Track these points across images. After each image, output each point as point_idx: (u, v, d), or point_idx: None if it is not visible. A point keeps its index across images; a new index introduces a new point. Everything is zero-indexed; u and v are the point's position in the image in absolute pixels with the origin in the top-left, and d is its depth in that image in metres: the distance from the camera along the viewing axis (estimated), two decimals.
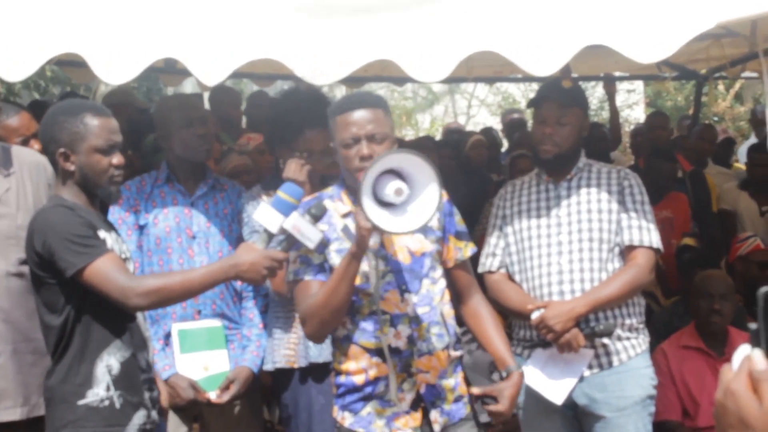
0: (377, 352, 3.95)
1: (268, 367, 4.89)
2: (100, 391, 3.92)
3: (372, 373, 3.96)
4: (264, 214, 3.89)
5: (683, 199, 8.27)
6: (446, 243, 4.17)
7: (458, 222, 4.21)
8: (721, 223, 8.97)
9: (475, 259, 4.57)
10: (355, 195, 3.96)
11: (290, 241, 3.86)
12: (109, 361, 3.96)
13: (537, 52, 4.12)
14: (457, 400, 4.08)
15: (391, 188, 3.64)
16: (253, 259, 3.84)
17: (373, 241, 3.72)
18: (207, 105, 8.07)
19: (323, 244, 3.95)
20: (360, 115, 3.93)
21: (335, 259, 3.95)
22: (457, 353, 4.12)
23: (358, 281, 3.85)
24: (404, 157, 3.67)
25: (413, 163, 3.65)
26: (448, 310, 4.12)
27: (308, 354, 4.76)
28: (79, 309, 3.92)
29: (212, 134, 5.13)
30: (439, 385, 4.01)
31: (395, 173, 3.68)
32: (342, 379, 4.04)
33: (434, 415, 4.00)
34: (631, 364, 4.79)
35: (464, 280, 4.25)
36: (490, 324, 4.23)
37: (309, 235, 3.81)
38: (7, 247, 4.10)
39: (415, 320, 3.97)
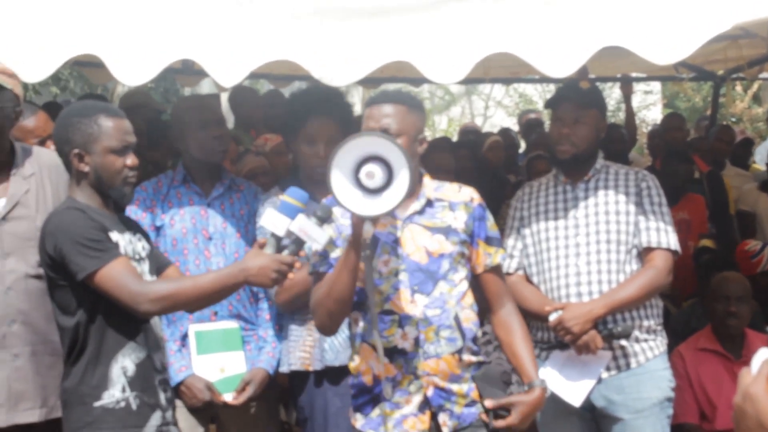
0: (385, 352, 3.94)
1: (284, 369, 4.89)
2: (116, 393, 3.93)
3: (379, 371, 3.97)
4: (270, 218, 3.90)
5: (700, 200, 8.24)
6: (475, 248, 4.14)
7: (490, 227, 4.18)
8: (740, 225, 8.95)
9: None
10: None
11: (298, 244, 3.87)
12: (124, 363, 3.97)
13: (554, 53, 4.11)
14: (470, 404, 4.05)
15: (363, 171, 3.62)
16: (261, 263, 3.84)
17: (366, 230, 3.69)
18: (225, 105, 8.07)
19: (342, 239, 3.97)
20: (380, 109, 3.95)
21: None
22: (473, 359, 4.09)
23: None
24: (376, 141, 3.65)
25: (388, 149, 3.62)
26: (468, 315, 4.08)
27: (324, 357, 4.75)
28: (92, 311, 3.93)
29: (228, 135, 5.13)
30: (449, 389, 3.99)
31: (383, 161, 3.66)
32: (354, 379, 4.06)
33: (443, 418, 3.99)
34: (649, 366, 4.78)
35: (494, 287, 4.22)
36: (519, 336, 4.20)
37: (316, 236, 3.82)
38: (27, 248, 4.10)
39: (423, 322, 3.95)
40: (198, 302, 4.04)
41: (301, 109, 4.92)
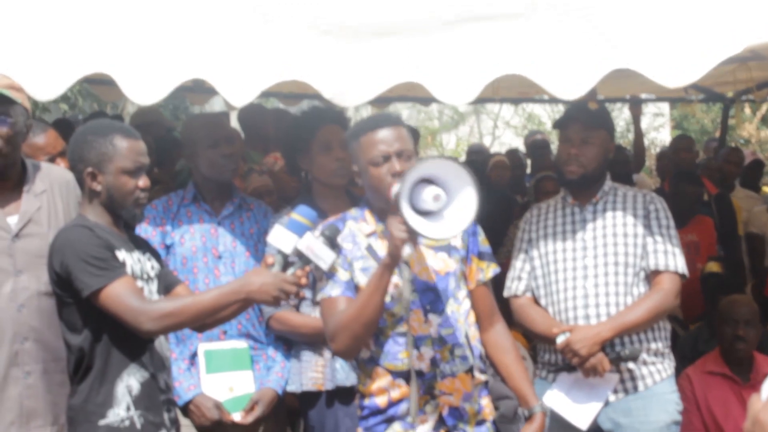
0: (401, 374, 3.94)
1: (295, 388, 4.89)
2: (120, 411, 3.94)
3: (395, 395, 3.96)
4: (278, 235, 3.92)
5: (709, 222, 8.23)
6: (469, 264, 4.17)
7: (482, 242, 4.21)
8: (749, 247, 8.94)
9: (499, 282, 4.56)
10: (380, 214, 3.98)
11: (304, 262, 3.87)
12: (129, 382, 3.97)
13: (564, 75, 4.12)
14: (480, 423, 4.07)
15: (428, 194, 3.64)
16: (263, 281, 3.84)
17: (407, 252, 3.71)
18: (235, 123, 8.07)
19: (347, 262, 3.97)
20: (387, 133, 3.94)
21: (360, 277, 3.96)
22: (482, 377, 4.11)
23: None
24: (438, 164, 3.69)
25: (447, 170, 3.66)
26: (474, 332, 4.11)
27: (335, 377, 4.76)
28: (97, 329, 3.94)
29: (238, 154, 5.14)
30: (462, 408, 4.00)
31: (426, 181, 3.68)
32: (366, 401, 4.03)
33: None
34: (657, 389, 4.78)
35: (484, 303, 4.23)
36: (513, 357, 4.22)
37: (322, 255, 3.83)
38: (39, 266, 4.11)
39: (438, 342, 3.96)
40: (201, 319, 4.04)
41: (311, 121, 4.97)
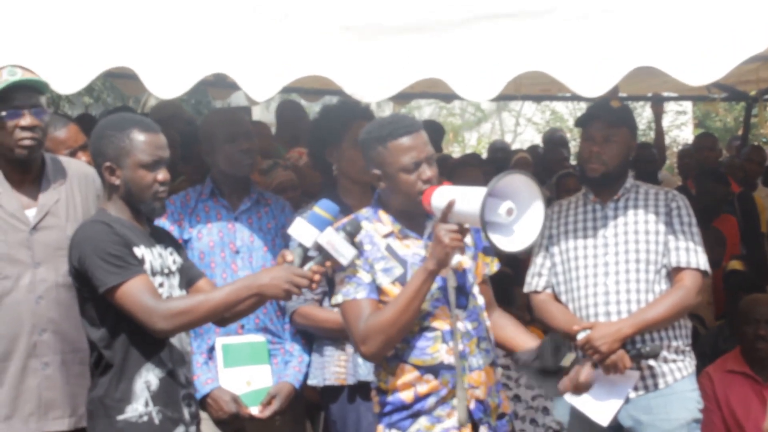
0: (429, 369, 3.95)
1: (317, 382, 4.91)
2: (139, 407, 3.95)
3: (422, 389, 3.95)
4: (299, 228, 3.91)
5: (733, 221, 8.22)
6: (475, 259, 4.18)
7: (485, 238, 4.22)
8: None
9: (516, 280, 4.58)
10: (398, 216, 4.01)
11: (324, 257, 3.87)
12: (148, 377, 3.99)
13: (586, 73, 4.11)
14: (500, 417, 4.09)
15: (503, 208, 3.68)
16: (274, 274, 3.85)
17: (456, 260, 3.76)
18: (257, 117, 8.07)
19: (368, 264, 3.98)
20: (416, 139, 3.95)
21: (382, 278, 3.96)
22: (499, 372, 4.15)
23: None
24: (513, 179, 3.72)
25: (517, 183, 3.71)
26: (490, 325, 4.14)
27: (357, 372, 4.77)
28: (116, 325, 3.96)
29: (256, 149, 5.15)
30: (487, 402, 4.01)
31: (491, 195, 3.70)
32: (389, 397, 4.02)
33: (483, 430, 3.99)
34: (677, 387, 4.78)
35: (487, 296, 4.26)
36: (513, 328, 4.28)
37: (343, 251, 3.83)
38: (57, 258, 4.13)
39: (466, 336, 3.98)
40: (214, 317, 4.05)
41: (342, 116, 4.95)
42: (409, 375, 3.96)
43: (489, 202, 3.64)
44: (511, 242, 3.72)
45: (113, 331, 3.96)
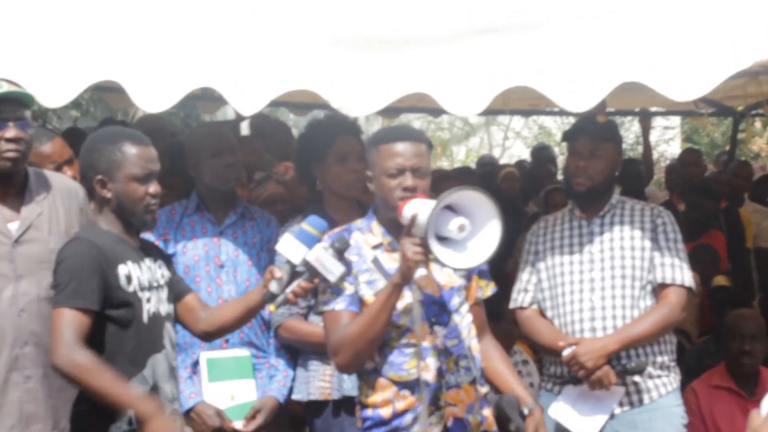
0: (405, 384, 3.95)
1: (302, 396, 4.90)
2: (123, 425, 3.92)
3: (399, 406, 3.96)
4: (287, 245, 3.92)
5: (720, 237, 8.24)
6: (469, 281, 4.19)
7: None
8: (758, 262, 8.93)
9: (504, 295, 4.58)
10: (388, 226, 4.00)
11: (312, 274, 3.88)
12: None
13: (573, 88, 4.12)
14: None
15: (454, 224, 3.66)
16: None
17: (419, 274, 3.73)
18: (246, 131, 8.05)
19: (352, 275, 3.98)
20: (407, 146, 3.96)
21: (365, 290, 3.97)
22: (484, 389, 4.12)
23: None
24: (467, 194, 3.70)
25: (474, 200, 3.69)
26: (475, 345, 4.12)
27: (342, 387, 4.76)
28: (96, 344, 3.94)
29: (241, 163, 5.15)
30: (466, 420, 3.99)
31: (451, 209, 3.70)
32: (369, 412, 4.04)
33: None
34: (662, 402, 4.78)
35: (479, 320, 4.26)
36: (502, 363, 4.30)
37: (331, 268, 3.84)
38: (39, 271, 4.12)
39: (444, 353, 3.97)
40: (98, 395, 3.89)
41: (327, 131, 4.96)
42: (388, 390, 3.97)
43: (443, 217, 3.66)
44: (460, 259, 3.70)
45: (96, 349, 3.93)
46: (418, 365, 3.91)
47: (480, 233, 3.71)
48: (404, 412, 3.95)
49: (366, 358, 3.96)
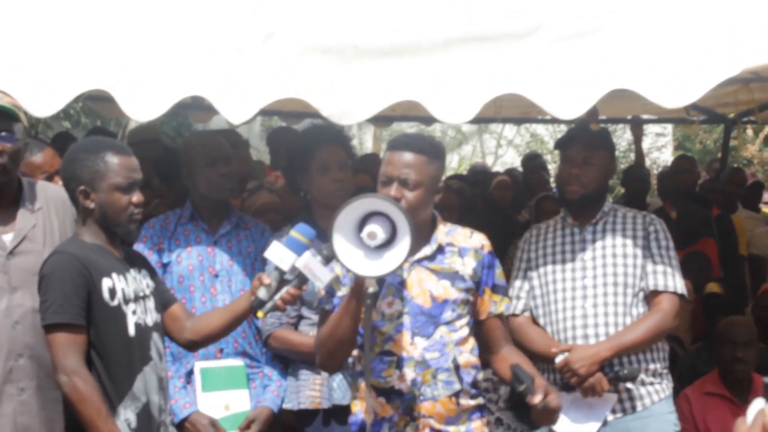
0: (383, 392, 3.99)
1: (292, 406, 4.90)
2: None
3: (378, 411, 4.00)
4: (276, 252, 3.94)
5: (712, 244, 8.24)
6: (481, 295, 4.18)
7: (498, 276, 4.22)
8: (752, 268, 8.93)
9: None
10: None
11: (301, 280, 3.89)
12: (127, 415, 3.99)
13: (562, 95, 4.11)
14: None
15: (366, 231, 3.66)
16: None
17: (369, 281, 3.74)
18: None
19: (349, 277, 4.00)
20: (401, 156, 3.99)
21: None
22: (471, 402, 4.11)
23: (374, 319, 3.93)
24: (384, 205, 3.68)
25: (394, 213, 3.66)
26: (467, 359, 4.11)
27: (332, 396, 4.78)
28: (88, 362, 3.94)
29: (236, 173, 5.16)
30: (445, 431, 4.02)
31: (389, 219, 3.69)
32: (353, 417, 4.11)
33: None
34: (655, 409, 4.78)
35: (496, 333, 4.27)
36: (520, 357, 4.28)
37: (320, 275, 3.86)
38: (34, 283, 4.10)
39: (421, 364, 3.99)
40: (84, 419, 3.91)
41: (309, 141, 4.99)
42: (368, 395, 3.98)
43: (356, 222, 3.69)
44: (369, 267, 3.67)
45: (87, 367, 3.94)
46: (368, 373, 3.93)
47: (397, 246, 3.67)
48: (382, 419, 4.01)
49: (341, 359, 4.03)
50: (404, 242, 3.63)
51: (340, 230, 3.65)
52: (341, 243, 3.66)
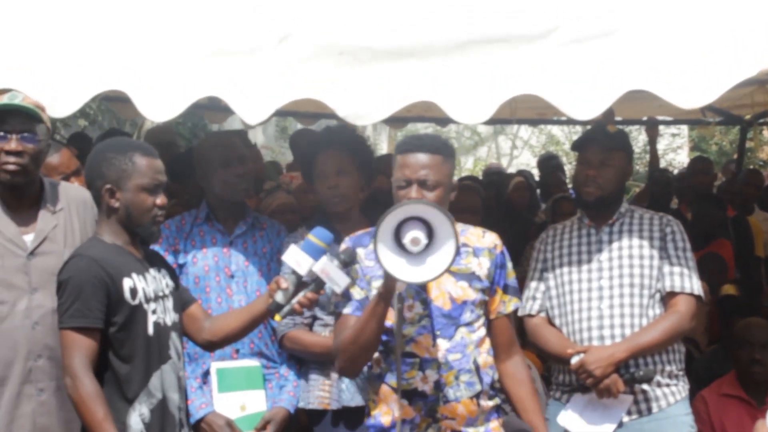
0: (404, 394, 3.97)
1: (302, 405, 4.92)
2: None
3: (398, 415, 3.98)
4: (293, 256, 3.93)
5: (728, 245, 8.21)
6: (492, 294, 4.18)
7: (509, 275, 4.23)
8: None
9: None
10: None
11: (318, 284, 3.89)
12: (142, 410, 4.00)
13: (579, 96, 4.11)
14: None
15: (408, 237, 3.65)
16: None
17: (400, 284, 3.73)
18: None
19: (365, 281, 4.01)
20: (416, 158, 3.97)
21: None
22: (490, 403, 4.12)
23: (391, 322, 3.90)
24: (427, 210, 3.67)
25: (436, 217, 3.65)
26: (485, 359, 4.12)
27: (341, 397, 4.79)
28: (103, 360, 3.96)
29: (251, 173, 5.16)
30: None
31: (425, 223, 3.68)
32: (371, 420, 4.08)
33: None
34: (671, 411, 4.76)
35: (504, 335, 4.25)
36: (527, 391, 4.26)
37: (337, 279, 3.85)
38: (54, 283, 4.10)
39: (444, 366, 3.99)
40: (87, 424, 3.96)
41: (310, 149, 5.04)
42: (389, 397, 4.00)
43: (406, 229, 3.67)
44: (413, 273, 3.66)
45: (101, 363, 3.96)
46: (399, 375, 3.94)
47: (441, 251, 3.66)
48: (403, 421, 3.98)
49: (362, 364, 4.01)
50: (448, 246, 3.62)
51: (382, 239, 3.63)
52: (384, 252, 3.63)
